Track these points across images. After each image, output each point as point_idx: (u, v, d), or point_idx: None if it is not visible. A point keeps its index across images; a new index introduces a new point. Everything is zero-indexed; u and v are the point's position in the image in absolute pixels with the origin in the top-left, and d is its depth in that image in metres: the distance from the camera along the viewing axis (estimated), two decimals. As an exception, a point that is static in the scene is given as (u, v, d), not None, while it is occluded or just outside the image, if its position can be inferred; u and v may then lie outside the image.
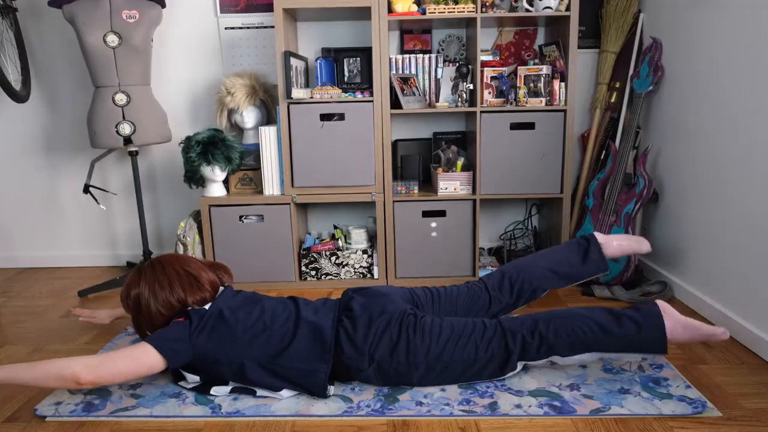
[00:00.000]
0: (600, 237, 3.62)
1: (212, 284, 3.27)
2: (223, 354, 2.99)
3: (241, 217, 4.72)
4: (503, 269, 3.58)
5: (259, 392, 3.04)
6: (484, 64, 4.74)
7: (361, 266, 4.83)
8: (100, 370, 2.78)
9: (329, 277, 4.86)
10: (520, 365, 3.05)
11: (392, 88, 4.66)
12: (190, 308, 3.12)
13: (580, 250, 3.59)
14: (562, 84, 4.55)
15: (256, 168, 4.87)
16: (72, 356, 2.87)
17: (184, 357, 2.98)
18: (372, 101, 4.56)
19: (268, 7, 5.03)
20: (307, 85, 5.05)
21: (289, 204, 4.70)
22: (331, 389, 3.06)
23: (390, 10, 4.50)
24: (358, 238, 4.89)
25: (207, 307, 3.12)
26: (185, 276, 3.19)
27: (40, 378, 2.77)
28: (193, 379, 3.10)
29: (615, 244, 3.63)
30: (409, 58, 4.88)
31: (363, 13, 4.67)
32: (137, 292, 3.17)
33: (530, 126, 4.59)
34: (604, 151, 4.93)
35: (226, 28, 5.11)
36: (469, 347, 2.99)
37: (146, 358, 2.88)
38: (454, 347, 2.99)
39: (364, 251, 4.81)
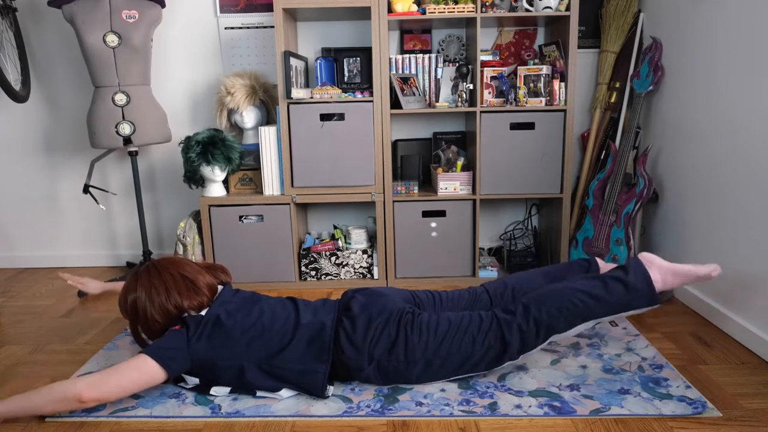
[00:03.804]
0: (600, 263, 3.63)
1: (210, 287, 3.26)
2: (222, 359, 2.99)
3: (240, 217, 4.72)
4: (506, 279, 3.59)
5: (259, 392, 3.04)
6: (484, 64, 4.75)
7: (361, 266, 4.83)
8: (102, 386, 2.79)
9: (329, 277, 4.86)
10: (520, 356, 3.05)
11: (392, 88, 4.66)
12: (186, 315, 3.12)
13: (581, 273, 3.60)
14: (562, 84, 4.55)
15: (256, 168, 4.87)
16: (71, 378, 2.87)
17: (183, 365, 2.99)
18: (372, 101, 4.56)
19: (268, 7, 5.04)
20: (307, 85, 5.05)
21: (288, 204, 4.70)
22: (330, 389, 3.07)
23: (390, 10, 4.50)
24: (358, 239, 4.89)
25: (203, 313, 3.12)
26: (182, 280, 3.17)
27: (44, 404, 2.79)
28: (192, 381, 3.10)
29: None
30: (409, 58, 4.88)
31: (363, 13, 4.68)
32: (134, 297, 3.16)
33: (530, 126, 4.59)
34: (604, 151, 4.93)
35: (225, 28, 5.11)
36: (466, 340, 3.00)
37: (146, 369, 2.88)
38: (451, 341, 3.00)
39: (364, 251, 4.81)
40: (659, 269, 3.05)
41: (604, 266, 3.62)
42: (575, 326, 3.00)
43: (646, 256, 3.11)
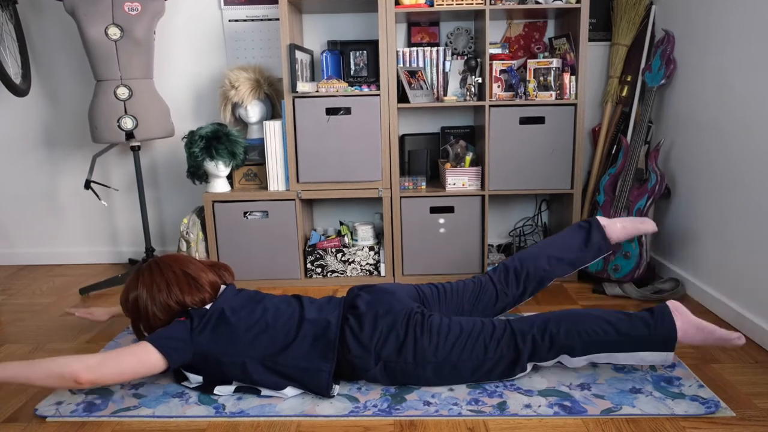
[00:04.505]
0: (603, 220, 3.63)
1: (212, 285, 3.27)
2: (225, 354, 2.99)
3: (245, 213, 4.73)
4: (507, 262, 3.61)
5: (264, 392, 3.05)
6: (493, 57, 4.73)
7: (367, 263, 4.83)
8: (100, 369, 2.79)
9: (335, 274, 4.86)
10: (529, 366, 3.05)
11: (399, 82, 4.66)
12: (190, 308, 3.13)
13: (582, 234, 3.62)
14: (573, 77, 4.54)
15: (261, 163, 4.87)
16: (72, 355, 2.88)
17: (185, 356, 2.99)
18: (379, 95, 4.56)
19: (273, -1, 5.04)
20: (312, 78, 5.06)
21: (294, 200, 4.70)
22: (336, 388, 3.07)
23: (397, 2, 4.49)
24: (365, 235, 4.90)
25: (208, 306, 3.13)
26: (183, 277, 3.19)
27: (39, 377, 2.78)
28: (195, 379, 3.11)
29: (619, 226, 3.66)
30: (417, 51, 4.89)
31: (369, 5, 4.67)
32: (135, 295, 3.17)
33: (540, 120, 4.59)
34: (615, 146, 4.92)
35: (230, 21, 5.11)
36: (478, 348, 2.99)
37: (147, 357, 2.88)
38: (462, 347, 2.99)
39: (371, 248, 4.82)
40: (684, 320, 2.98)
41: (607, 222, 3.63)
42: (589, 354, 2.99)
43: (673, 304, 3.06)
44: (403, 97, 4.66)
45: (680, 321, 2.96)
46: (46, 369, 2.78)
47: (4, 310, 4.50)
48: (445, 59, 4.90)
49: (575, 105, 4.57)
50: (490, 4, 4.43)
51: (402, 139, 5.09)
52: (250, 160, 4.87)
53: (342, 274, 4.86)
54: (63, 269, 5.53)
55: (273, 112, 5.08)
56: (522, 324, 3.04)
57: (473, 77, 4.61)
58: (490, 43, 4.76)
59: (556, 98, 4.58)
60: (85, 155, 5.46)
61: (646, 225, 3.72)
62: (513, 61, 4.69)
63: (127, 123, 4.53)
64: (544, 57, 4.82)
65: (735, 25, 3.72)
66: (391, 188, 4.68)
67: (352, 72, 4.91)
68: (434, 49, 4.89)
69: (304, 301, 3.27)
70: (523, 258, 3.59)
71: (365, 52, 4.88)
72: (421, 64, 4.91)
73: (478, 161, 4.81)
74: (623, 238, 3.69)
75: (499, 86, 4.67)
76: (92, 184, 4.94)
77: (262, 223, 4.74)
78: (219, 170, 4.64)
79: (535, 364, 3.08)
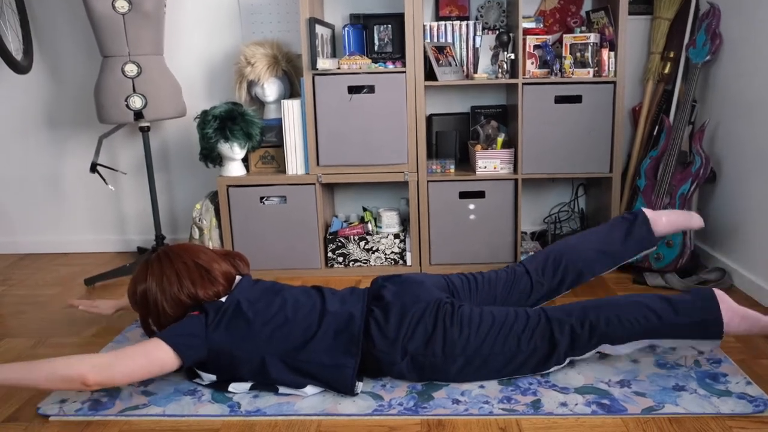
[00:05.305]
0: (648, 213, 3.60)
1: (226, 276, 3.25)
2: (242, 350, 2.99)
3: (261, 198, 4.74)
4: (546, 251, 3.57)
5: (282, 389, 3.04)
6: (527, 31, 4.71)
7: (392, 252, 4.84)
8: (109, 370, 2.77)
9: (358, 263, 4.87)
10: (567, 360, 3.04)
11: (426, 58, 4.64)
12: (204, 302, 3.12)
13: (625, 226, 3.58)
14: (612, 53, 4.52)
15: (279, 145, 4.87)
16: (78, 354, 2.87)
17: (199, 353, 2.98)
18: (404, 72, 4.55)
19: (291, -30, 5.03)
20: (333, 54, 5.05)
21: (314, 184, 4.71)
22: (360, 386, 3.06)
23: (424, -27, 4.49)
24: (390, 222, 4.89)
25: (223, 299, 3.12)
26: (195, 269, 3.16)
27: (43, 379, 2.77)
28: (209, 378, 3.11)
29: (664, 220, 3.61)
30: (445, 25, 4.87)
31: (394, -24, 4.67)
32: (144, 288, 3.14)
33: (577, 99, 4.57)
34: (656, 127, 4.90)
35: (244, -7, 5.11)
36: (511, 339, 2.98)
37: (158, 354, 2.86)
38: (494, 339, 2.98)
39: (396, 236, 4.82)
40: (729, 310, 2.97)
41: (652, 215, 3.59)
42: (631, 341, 2.98)
43: (718, 294, 3.06)
44: (430, 75, 4.65)
45: (725, 311, 2.94)
46: (50, 371, 2.76)
47: (6, 301, 4.53)
48: (475, 34, 4.88)
49: (614, 83, 4.54)
50: (524, -26, 4.42)
51: (429, 119, 5.08)
52: (266, 141, 4.86)
53: (365, 263, 4.87)
54: (67, 258, 5.56)
55: (291, 90, 5.07)
56: (559, 313, 3.03)
57: (505, 53, 4.60)
58: (524, 17, 4.73)
59: (594, 76, 4.56)
60: (90, 136, 5.47)
61: (693, 220, 3.67)
62: (548, 36, 4.68)
63: (136, 102, 4.54)
64: (581, 31, 4.80)
65: (787, -3, 3.71)
66: (417, 172, 4.68)
67: (375, 47, 4.91)
68: (464, 23, 4.88)
69: (325, 292, 3.27)
70: (562, 247, 3.56)
71: (390, 26, 4.87)
72: (449, 39, 4.89)
73: (511, 143, 4.81)
74: (668, 233, 3.65)
75: (533, 63, 4.66)
76: (98, 168, 4.95)
77: (280, 209, 4.75)
78: (234, 152, 4.65)
79: (572, 359, 3.07)
